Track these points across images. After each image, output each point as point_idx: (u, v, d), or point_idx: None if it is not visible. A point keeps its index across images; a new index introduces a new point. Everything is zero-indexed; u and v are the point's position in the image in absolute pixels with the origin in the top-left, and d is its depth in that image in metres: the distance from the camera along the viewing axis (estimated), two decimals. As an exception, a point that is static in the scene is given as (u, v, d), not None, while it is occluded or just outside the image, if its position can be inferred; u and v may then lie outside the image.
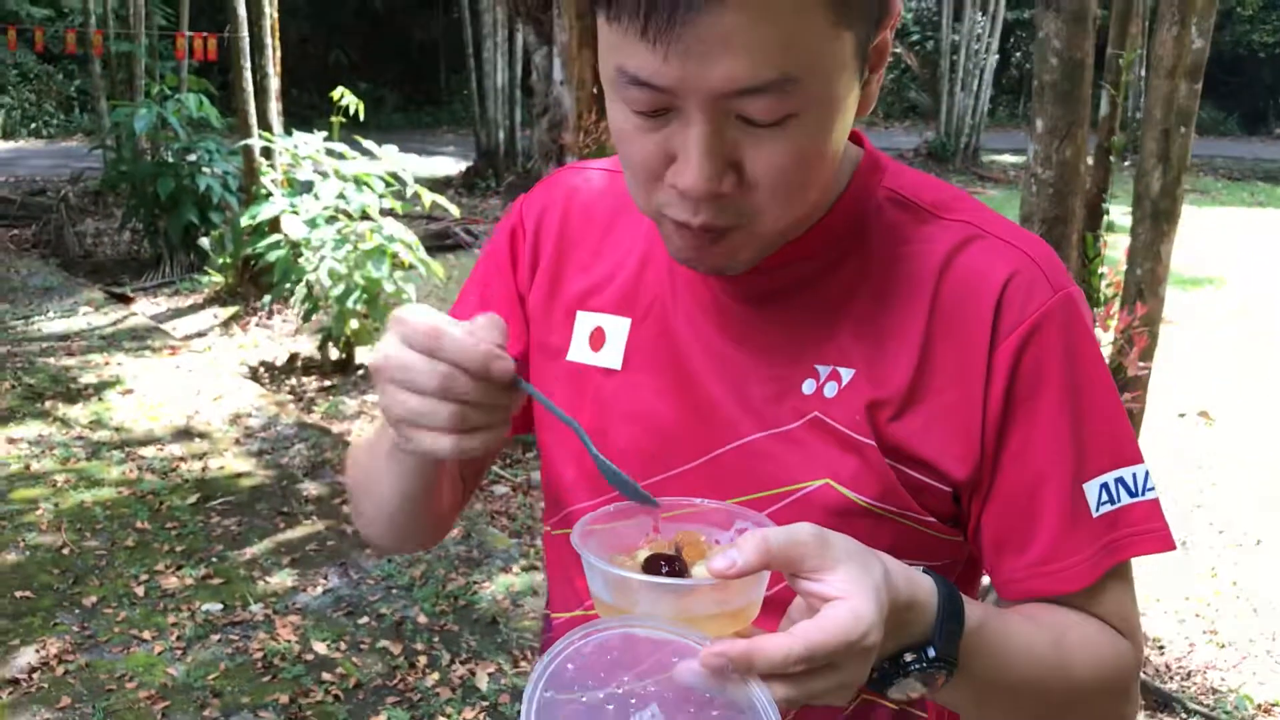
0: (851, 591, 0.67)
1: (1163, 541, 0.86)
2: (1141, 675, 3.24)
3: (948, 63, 17.40)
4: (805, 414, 0.86)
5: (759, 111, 0.72)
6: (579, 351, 0.94)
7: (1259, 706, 3.41)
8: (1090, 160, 3.29)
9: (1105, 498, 0.85)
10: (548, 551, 1.04)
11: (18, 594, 3.49)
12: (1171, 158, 3.18)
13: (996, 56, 17.79)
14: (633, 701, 0.67)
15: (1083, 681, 0.85)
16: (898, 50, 23.57)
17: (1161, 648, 3.77)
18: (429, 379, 0.72)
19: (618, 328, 0.93)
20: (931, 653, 0.73)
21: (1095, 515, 0.85)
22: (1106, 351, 3.28)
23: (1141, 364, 3.19)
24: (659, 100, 0.74)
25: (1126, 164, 8.17)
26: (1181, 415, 6.23)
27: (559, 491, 0.97)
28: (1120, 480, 0.85)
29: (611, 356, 0.93)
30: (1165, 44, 3.16)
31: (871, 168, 0.91)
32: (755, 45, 0.69)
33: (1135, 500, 0.86)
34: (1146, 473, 0.87)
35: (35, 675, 3.08)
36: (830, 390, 0.85)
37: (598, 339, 0.94)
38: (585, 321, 0.95)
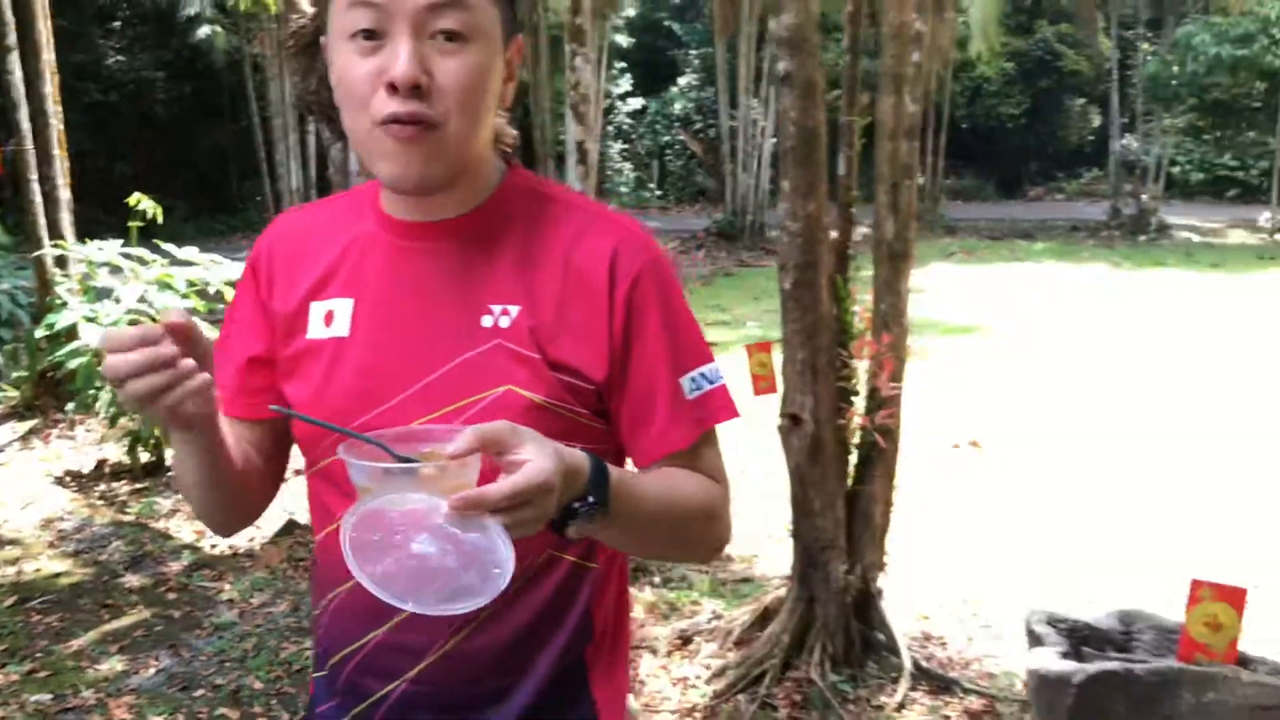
0: (537, 455, 1.01)
1: (732, 412, 1.28)
2: (925, 665, 3.64)
3: (728, 147, 18.45)
4: (489, 341, 1.20)
5: (447, 24, 1.09)
6: (315, 330, 1.26)
7: (1025, 681, 3.87)
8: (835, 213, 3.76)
9: (694, 386, 1.25)
10: (309, 491, 1.33)
11: None
12: (900, 207, 3.68)
13: (773, 139, 18.96)
14: (410, 534, 1.00)
15: (687, 509, 1.24)
16: (682, 138, 24.73)
17: (945, 644, 4.19)
18: (119, 369, 1.02)
19: (345, 306, 1.26)
20: (591, 499, 1.07)
21: (689, 398, 1.25)
22: (863, 377, 3.73)
23: (892, 385, 3.65)
24: (374, 18, 1.10)
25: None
26: (955, 446, 6.87)
27: (307, 446, 1.29)
28: (702, 374, 1.26)
29: (341, 328, 1.25)
30: (886, 111, 3.68)
31: (517, 172, 1.30)
32: None
33: (713, 387, 1.27)
34: (717, 369, 1.28)
35: None
36: (504, 322, 1.21)
37: (329, 318, 1.26)
38: (318, 308, 1.27)
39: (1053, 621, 2.51)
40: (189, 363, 1.04)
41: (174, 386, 1.03)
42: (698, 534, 1.28)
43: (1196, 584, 2.20)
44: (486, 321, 1.20)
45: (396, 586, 1.00)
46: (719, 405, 1.27)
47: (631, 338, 1.22)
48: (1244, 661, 2.31)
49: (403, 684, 1.24)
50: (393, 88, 1.10)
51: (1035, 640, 2.46)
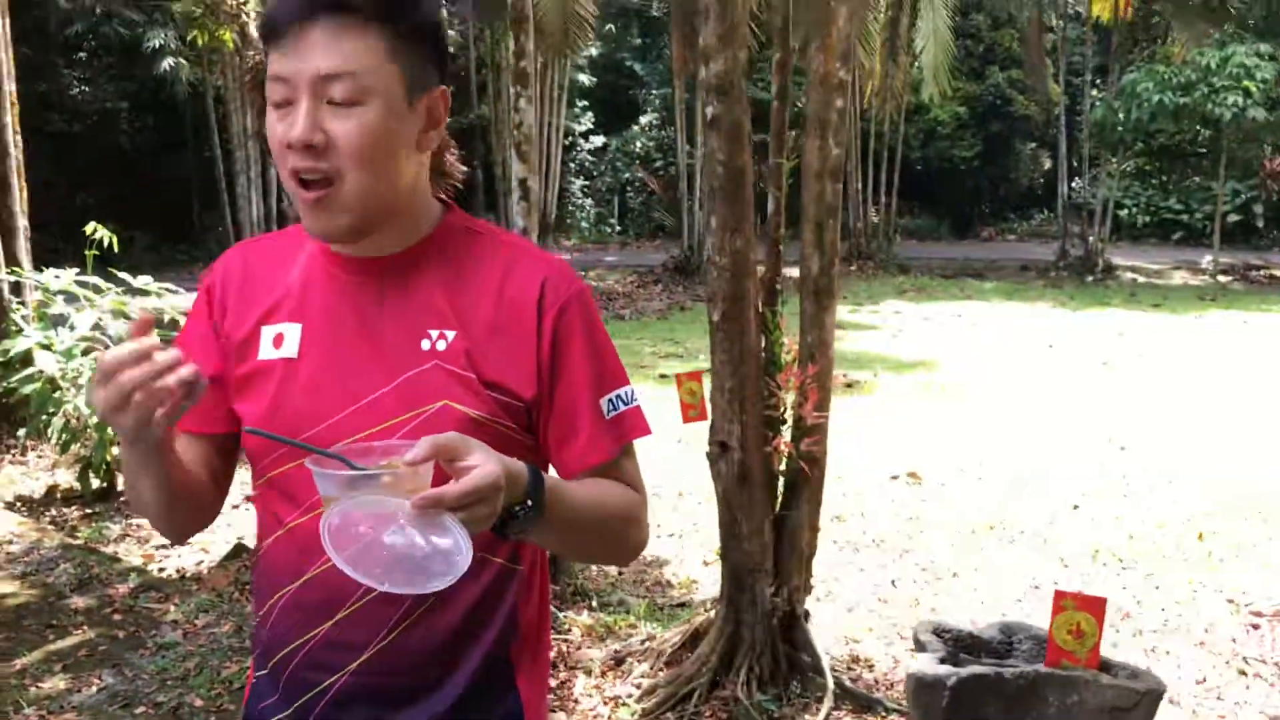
0: (484, 461, 1.16)
1: (645, 430, 1.45)
2: (850, 686, 3.77)
3: (685, 184, 18.73)
4: (428, 363, 1.35)
5: (338, 93, 1.25)
6: (266, 351, 1.40)
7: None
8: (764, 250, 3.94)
9: (612, 407, 1.42)
10: (257, 501, 1.45)
11: None
12: (824, 245, 3.86)
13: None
14: (380, 529, 1.16)
15: (612, 514, 1.41)
16: (642, 176, 25.04)
17: (872, 666, 4.34)
18: (103, 383, 1.15)
19: (293, 330, 1.39)
20: (529, 503, 1.23)
21: (607, 418, 1.41)
22: (790, 402, 3.89)
23: (817, 414, 3.82)
24: (285, 90, 1.26)
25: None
26: (894, 477, 7.05)
27: (255, 459, 1.42)
28: (619, 396, 1.43)
29: (290, 350, 1.39)
30: (811, 152, 3.87)
31: (454, 212, 1.46)
32: (334, 50, 1.25)
33: (629, 408, 1.43)
34: (633, 391, 1.45)
35: None
36: (441, 345, 1.35)
37: (279, 341, 1.39)
38: (268, 331, 1.40)
39: (938, 631, 2.67)
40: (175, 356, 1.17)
41: (180, 390, 1.16)
42: (621, 537, 1.44)
43: (1060, 594, 2.37)
44: (425, 345, 1.34)
45: (372, 572, 1.16)
46: (634, 424, 1.43)
47: (558, 361, 1.37)
48: (1105, 666, 2.48)
49: (344, 677, 1.36)
50: (290, 146, 1.27)
51: (920, 648, 2.62)
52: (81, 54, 20.74)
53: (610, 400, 1.40)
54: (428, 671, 1.37)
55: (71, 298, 6.29)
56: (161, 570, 4.97)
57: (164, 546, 5.28)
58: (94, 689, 3.75)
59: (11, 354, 6.22)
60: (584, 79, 24.24)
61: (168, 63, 16.74)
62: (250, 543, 4.91)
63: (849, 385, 9.93)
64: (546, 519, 1.25)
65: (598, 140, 26.27)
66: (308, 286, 1.41)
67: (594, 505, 1.37)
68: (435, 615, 1.35)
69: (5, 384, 6.44)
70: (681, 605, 4.86)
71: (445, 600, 1.35)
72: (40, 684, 3.79)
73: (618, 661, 4.14)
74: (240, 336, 1.42)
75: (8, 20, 7.59)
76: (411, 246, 1.38)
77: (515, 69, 4.43)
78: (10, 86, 7.50)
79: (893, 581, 5.26)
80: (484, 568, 1.38)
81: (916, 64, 17.98)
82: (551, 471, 1.41)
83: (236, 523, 5.27)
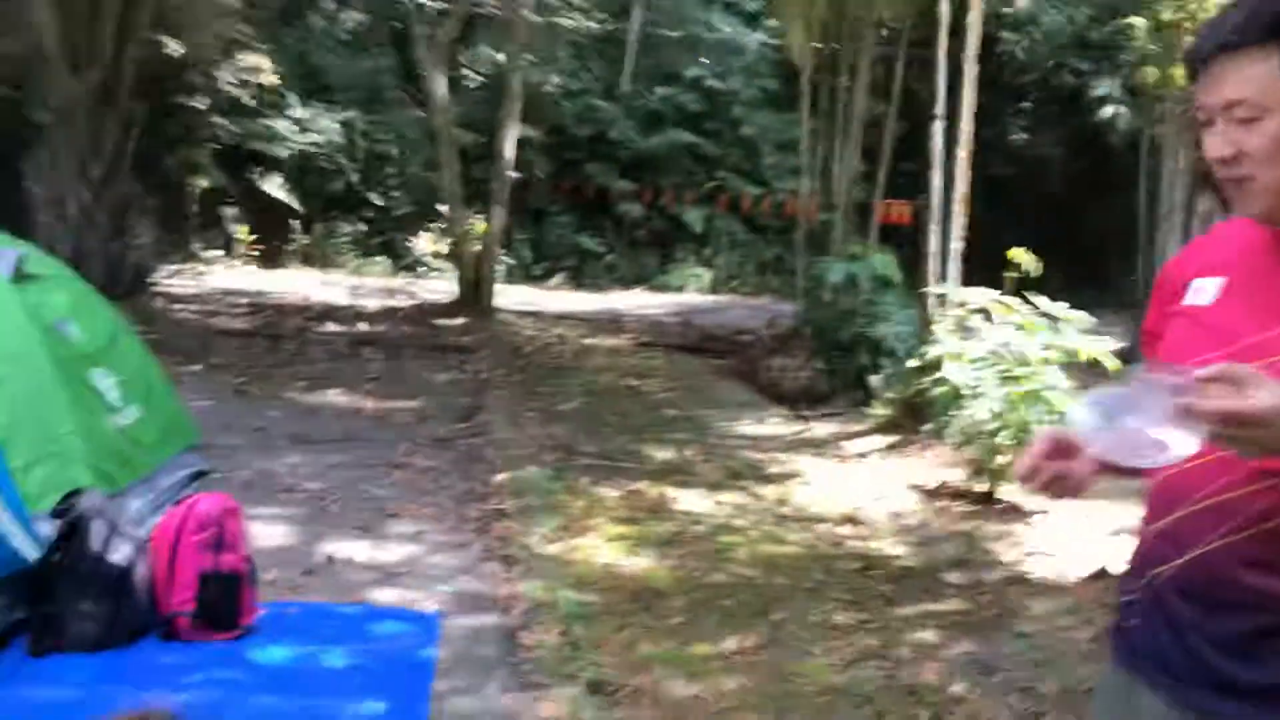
0: (1260, 399, 1.26)
1: None
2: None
3: None
4: None
5: (1240, 113, 1.46)
6: (1189, 299, 1.66)
7: None
8: None
9: None
10: None
11: (724, 602, 4.52)
12: None
13: None
14: (1133, 412, 1.38)
15: None
16: None
17: None
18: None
19: (1214, 283, 1.63)
20: None
21: None
22: None
23: None
24: (1204, 114, 1.52)
25: None
26: None
27: None
28: None
29: (1206, 298, 1.62)
30: None
31: None
32: (1230, 81, 1.48)
33: None
34: None
35: (736, 656, 4.03)
36: None
37: (1200, 291, 1.64)
38: (1196, 284, 1.66)
39: None
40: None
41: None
42: None
43: None
44: None
45: (1096, 436, 1.44)
46: None
47: None
48: None
49: (1169, 569, 1.57)
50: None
51: None
52: (1026, 103, 22.12)
53: None
54: (1227, 593, 1.48)
55: (985, 317, 6.89)
56: (1029, 572, 5.26)
57: (1033, 554, 5.57)
58: (955, 650, 4.17)
59: (927, 358, 7.03)
60: None
61: (1106, 110, 17.11)
62: (1112, 570, 4.99)
63: None
64: None
65: None
66: (1241, 252, 1.62)
67: None
68: (1255, 544, 1.46)
69: (916, 384, 7.31)
70: None
71: (1252, 538, 1.46)
72: (914, 633, 4.32)
73: None
74: (1173, 289, 1.69)
75: (977, 67, 8.52)
76: None
77: None
78: (968, 128, 8.41)
79: None
80: None
81: None
82: None
83: (1104, 554, 5.32)
